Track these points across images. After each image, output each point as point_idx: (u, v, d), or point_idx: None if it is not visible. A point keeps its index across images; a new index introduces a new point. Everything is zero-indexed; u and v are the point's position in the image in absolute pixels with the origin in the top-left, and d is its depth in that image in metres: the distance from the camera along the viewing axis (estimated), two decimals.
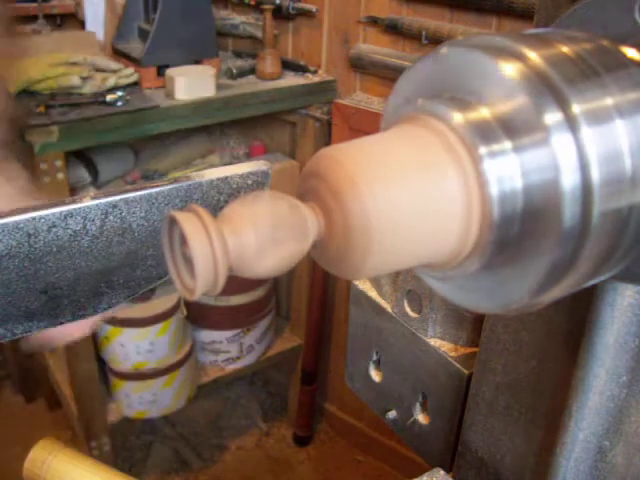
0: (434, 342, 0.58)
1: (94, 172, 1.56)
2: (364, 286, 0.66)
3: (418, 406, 0.61)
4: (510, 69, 0.25)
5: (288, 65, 1.63)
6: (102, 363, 1.63)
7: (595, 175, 0.24)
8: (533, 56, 0.25)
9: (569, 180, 0.24)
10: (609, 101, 0.25)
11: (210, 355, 1.81)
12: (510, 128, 0.25)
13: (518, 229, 0.26)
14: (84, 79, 1.38)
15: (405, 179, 0.24)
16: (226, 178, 0.41)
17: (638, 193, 0.25)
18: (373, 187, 0.24)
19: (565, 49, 0.26)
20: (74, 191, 1.50)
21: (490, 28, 1.30)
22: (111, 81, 1.40)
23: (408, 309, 0.59)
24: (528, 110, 0.24)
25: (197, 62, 1.53)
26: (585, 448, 0.41)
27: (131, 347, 1.58)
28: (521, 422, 0.46)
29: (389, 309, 0.62)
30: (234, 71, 1.56)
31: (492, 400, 0.48)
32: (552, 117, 0.24)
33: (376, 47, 1.52)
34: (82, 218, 0.37)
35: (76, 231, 0.37)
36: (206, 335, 1.79)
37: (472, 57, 0.26)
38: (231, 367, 1.83)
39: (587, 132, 0.24)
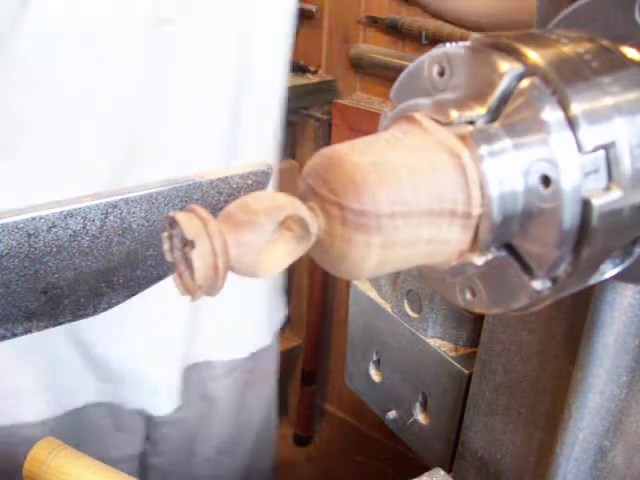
0: (434, 342, 0.58)
1: None
2: (364, 286, 0.66)
3: (418, 406, 0.61)
4: (510, 68, 0.25)
5: None
6: None
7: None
8: (533, 56, 0.25)
9: (569, 180, 0.24)
10: (609, 101, 0.25)
11: None
12: (510, 128, 0.25)
13: (518, 229, 0.26)
14: None
15: (405, 179, 0.24)
16: (226, 178, 0.41)
17: (638, 193, 0.25)
18: (373, 187, 0.24)
19: (565, 49, 0.26)
20: None
21: None
22: None
23: (408, 309, 0.59)
24: (528, 110, 0.24)
25: None
26: (585, 448, 0.41)
27: None
28: (521, 422, 0.46)
29: (389, 309, 0.62)
30: None
31: (492, 400, 0.48)
32: (552, 117, 0.24)
33: (376, 47, 1.52)
34: (82, 218, 0.37)
35: (76, 231, 0.37)
36: None
37: (472, 56, 0.26)
38: None
39: (587, 132, 0.24)
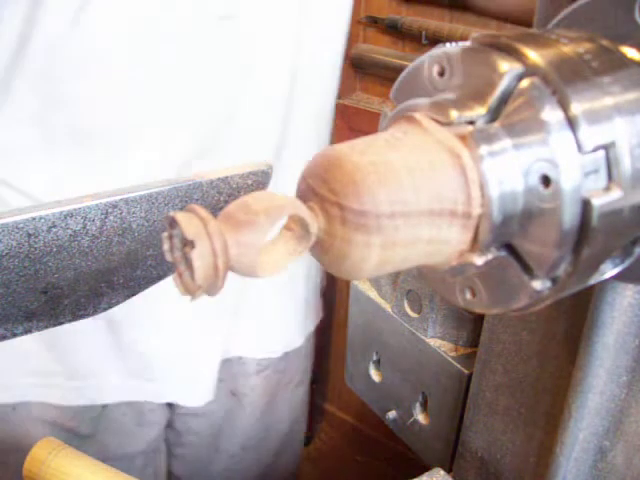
0: (434, 342, 0.58)
1: None
2: (364, 286, 0.66)
3: (418, 406, 0.61)
4: (510, 68, 0.25)
5: None
6: None
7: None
8: (533, 56, 0.25)
9: (569, 180, 0.24)
10: (609, 101, 0.25)
11: None
12: (510, 128, 0.25)
13: (518, 229, 0.26)
14: None
15: (405, 179, 0.24)
16: (226, 178, 0.41)
17: (638, 193, 0.25)
18: (373, 187, 0.24)
19: (565, 49, 0.26)
20: None
21: (490, 28, 1.30)
22: None
23: (408, 309, 0.59)
24: (528, 110, 0.24)
25: None
26: (585, 448, 0.41)
27: None
28: (521, 422, 0.46)
29: (389, 309, 0.62)
30: None
31: (492, 400, 0.48)
32: (552, 117, 0.24)
33: (376, 47, 1.52)
34: (82, 218, 0.37)
35: (76, 231, 0.37)
36: None
37: (472, 56, 0.26)
38: None
39: (587, 132, 0.24)
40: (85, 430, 0.85)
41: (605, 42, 0.27)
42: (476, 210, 0.25)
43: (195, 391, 0.87)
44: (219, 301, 0.81)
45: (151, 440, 0.92)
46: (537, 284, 0.26)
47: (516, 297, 0.27)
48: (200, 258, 0.23)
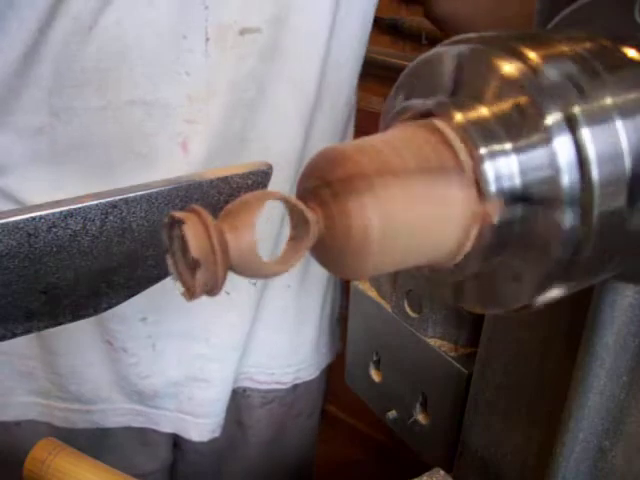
0: (434, 342, 0.58)
1: None
2: (364, 286, 0.66)
3: (418, 406, 0.61)
4: (510, 68, 0.25)
5: None
6: None
7: (595, 175, 0.24)
8: (533, 56, 0.25)
9: (569, 180, 0.24)
10: (609, 101, 0.25)
11: None
12: (510, 128, 0.25)
13: (517, 230, 0.26)
14: None
15: (406, 179, 0.24)
16: (226, 178, 0.41)
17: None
18: (374, 187, 0.24)
19: (565, 49, 0.26)
20: None
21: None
22: None
23: (408, 309, 0.59)
24: (528, 110, 0.24)
25: None
26: (585, 448, 0.41)
27: None
28: (521, 422, 0.46)
29: (389, 309, 0.62)
30: None
31: (492, 400, 0.48)
32: (552, 117, 0.24)
33: (376, 47, 1.52)
34: (82, 218, 0.37)
35: (76, 231, 0.37)
36: None
37: (472, 56, 0.26)
38: None
39: (587, 132, 0.24)
40: (87, 449, 0.84)
41: (605, 42, 0.27)
42: (467, 163, 0.25)
43: (200, 426, 0.85)
44: (227, 340, 0.80)
45: (158, 460, 0.89)
46: (567, 218, 0.24)
47: (515, 297, 0.26)
48: (200, 258, 0.23)
